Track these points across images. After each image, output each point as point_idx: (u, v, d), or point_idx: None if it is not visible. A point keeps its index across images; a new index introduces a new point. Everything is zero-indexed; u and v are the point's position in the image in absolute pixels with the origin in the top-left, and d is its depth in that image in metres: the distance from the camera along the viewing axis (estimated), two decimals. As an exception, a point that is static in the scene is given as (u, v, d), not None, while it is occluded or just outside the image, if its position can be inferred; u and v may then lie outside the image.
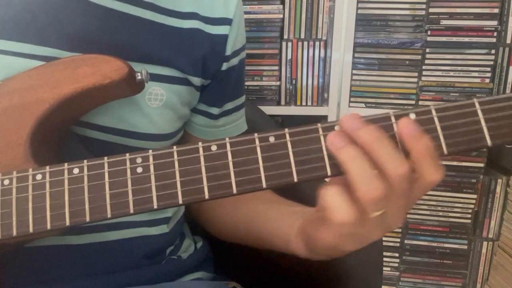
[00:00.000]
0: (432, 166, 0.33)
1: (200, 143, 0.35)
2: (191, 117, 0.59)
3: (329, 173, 0.34)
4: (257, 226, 0.53)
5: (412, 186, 0.33)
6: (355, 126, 0.33)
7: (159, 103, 0.50)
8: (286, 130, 0.35)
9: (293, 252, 0.45)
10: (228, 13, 0.55)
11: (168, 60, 0.51)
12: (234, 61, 0.58)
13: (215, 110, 0.59)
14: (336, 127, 0.35)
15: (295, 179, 0.34)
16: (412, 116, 0.34)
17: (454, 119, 0.34)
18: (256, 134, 0.35)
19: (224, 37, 0.55)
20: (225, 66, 0.56)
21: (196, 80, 0.54)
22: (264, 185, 0.34)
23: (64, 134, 0.45)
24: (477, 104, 0.34)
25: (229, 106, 0.61)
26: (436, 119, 0.34)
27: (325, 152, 0.34)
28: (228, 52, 0.56)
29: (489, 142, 0.34)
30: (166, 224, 0.55)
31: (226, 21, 0.55)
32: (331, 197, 0.33)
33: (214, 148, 0.35)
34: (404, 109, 0.35)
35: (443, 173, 0.33)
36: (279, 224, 0.49)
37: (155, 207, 0.35)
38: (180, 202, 0.34)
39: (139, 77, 0.43)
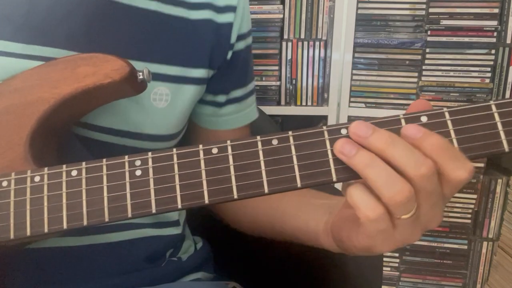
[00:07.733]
0: (451, 164, 0.31)
1: (200, 146, 0.35)
2: (197, 108, 0.58)
3: (334, 179, 0.33)
4: (280, 220, 0.51)
5: (442, 183, 0.32)
6: (364, 133, 0.31)
7: (164, 103, 0.49)
8: (290, 133, 0.34)
9: (323, 247, 0.44)
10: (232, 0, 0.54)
11: (174, 58, 0.50)
12: (239, 45, 0.56)
13: (221, 98, 0.58)
14: (343, 130, 0.33)
15: (299, 185, 0.33)
16: (424, 119, 0.33)
17: (469, 123, 0.32)
18: (258, 137, 0.34)
19: (230, 25, 0.54)
20: (230, 54, 0.55)
21: (204, 72, 0.53)
22: (266, 191, 0.33)
23: (65, 134, 0.45)
24: (493, 107, 0.32)
25: (238, 93, 0.59)
26: (449, 123, 0.32)
27: (330, 157, 0.33)
28: (233, 40, 0.55)
29: (506, 147, 0.32)
30: (171, 227, 0.55)
31: (231, 9, 0.54)
32: (357, 195, 0.32)
33: (215, 151, 0.34)
34: (415, 112, 0.33)
35: (470, 169, 0.31)
36: (305, 220, 0.47)
37: (154, 211, 0.34)
38: (179, 206, 0.34)
39: (141, 77, 0.42)
